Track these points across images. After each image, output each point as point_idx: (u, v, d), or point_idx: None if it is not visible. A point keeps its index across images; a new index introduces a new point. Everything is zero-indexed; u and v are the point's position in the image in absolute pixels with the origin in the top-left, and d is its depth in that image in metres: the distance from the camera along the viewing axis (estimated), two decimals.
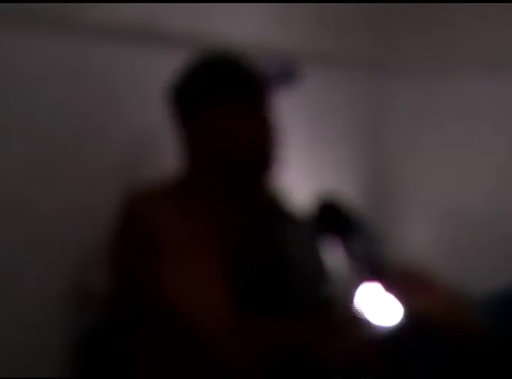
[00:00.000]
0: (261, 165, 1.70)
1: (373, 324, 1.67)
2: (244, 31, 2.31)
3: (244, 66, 1.70)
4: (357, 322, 1.65)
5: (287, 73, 1.69)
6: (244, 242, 1.71)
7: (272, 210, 1.79)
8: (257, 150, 1.69)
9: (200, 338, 1.57)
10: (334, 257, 1.74)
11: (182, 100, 1.73)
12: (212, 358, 1.57)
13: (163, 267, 1.59)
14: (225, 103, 1.68)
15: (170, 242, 1.61)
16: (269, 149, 1.70)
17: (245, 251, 1.70)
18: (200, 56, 1.75)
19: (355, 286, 1.65)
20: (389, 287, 1.61)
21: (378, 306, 1.64)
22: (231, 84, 1.69)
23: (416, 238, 2.81)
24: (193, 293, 1.58)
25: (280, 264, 1.73)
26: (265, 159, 1.70)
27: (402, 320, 1.64)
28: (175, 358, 1.63)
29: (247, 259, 1.69)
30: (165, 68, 2.11)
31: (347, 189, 2.50)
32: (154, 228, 1.61)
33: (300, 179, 1.91)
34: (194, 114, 1.70)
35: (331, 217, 1.70)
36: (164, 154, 2.07)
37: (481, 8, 2.58)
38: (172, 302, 1.58)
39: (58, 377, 1.91)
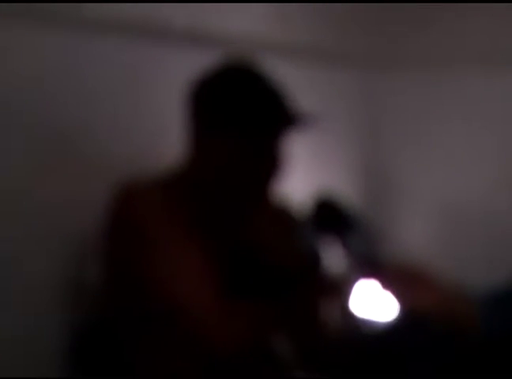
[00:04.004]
0: (259, 190, 1.71)
1: (369, 321, 1.68)
2: (245, 28, 2.31)
3: (279, 99, 1.67)
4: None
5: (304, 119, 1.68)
6: (235, 235, 1.73)
7: (269, 207, 1.80)
8: (260, 180, 1.69)
9: (189, 325, 1.59)
10: (332, 254, 1.74)
11: (204, 104, 1.69)
12: (202, 344, 1.59)
13: (150, 258, 1.61)
14: (247, 127, 1.66)
15: (157, 234, 1.62)
16: (271, 183, 1.70)
17: (235, 243, 1.72)
18: (232, 62, 1.71)
19: (353, 283, 1.65)
20: (387, 284, 1.61)
21: (375, 303, 1.65)
22: (260, 111, 1.66)
23: (413, 235, 2.81)
24: (179, 283, 1.60)
25: (272, 260, 1.74)
26: (266, 186, 1.70)
27: (399, 317, 1.65)
28: (170, 348, 1.65)
29: (237, 251, 1.71)
30: (165, 64, 2.13)
31: (345, 188, 2.50)
32: (142, 220, 1.63)
33: (297, 177, 1.91)
34: (211, 125, 1.68)
35: (328, 215, 1.71)
36: (161, 149, 2.08)
37: (481, 6, 2.59)
38: (160, 293, 1.60)
39: (57, 376, 1.92)
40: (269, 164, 1.69)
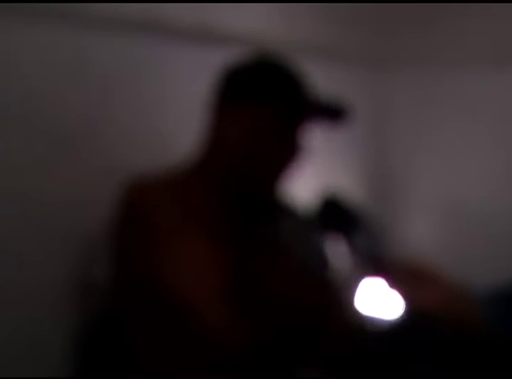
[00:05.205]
0: (274, 178, 1.72)
1: (374, 320, 1.68)
2: (248, 25, 2.32)
3: (303, 84, 1.70)
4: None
5: (335, 110, 1.69)
6: (243, 232, 1.73)
7: (275, 205, 1.80)
8: (277, 167, 1.70)
9: (197, 322, 1.59)
10: (337, 252, 1.74)
11: (230, 89, 1.71)
12: (209, 342, 1.59)
13: (159, 255, 1.60)
14: (271, 108, 1.67)
15: (166, 230, 1.62)
16: (288, 168, 1.72)
17: (243, 241, 1.72)
18: (262, 54, 1.74)
19: (358, 281, 1.66)
20: (392, 282, 1.61)
21: (380, 301, 1.65)
22: (285, 94, 1.68)
23: (418, 233, 2.81)
24: (188, 279, 1.59)
25: (279, 257, 1.74)
26: (281, 175, 1.72)
27: (404, 314, 1.65)
28: (177, 346, 1.65)
29: (245, 248, 1.71)
30: (168, 61, 2.13)
31: (350, 186, 2.50)
32: (152, 216, 1.63)
33: (303, 176, 1.92)
34: (236, 106, 1.69)
35: (334, 214, 1.71)
36: (167, 147, 2.08)
37: (481, 6, 2.60)
38: (169, 290, 1.60)
39: (57, 375, 1.92)
40: (287, 151, 1.70)
